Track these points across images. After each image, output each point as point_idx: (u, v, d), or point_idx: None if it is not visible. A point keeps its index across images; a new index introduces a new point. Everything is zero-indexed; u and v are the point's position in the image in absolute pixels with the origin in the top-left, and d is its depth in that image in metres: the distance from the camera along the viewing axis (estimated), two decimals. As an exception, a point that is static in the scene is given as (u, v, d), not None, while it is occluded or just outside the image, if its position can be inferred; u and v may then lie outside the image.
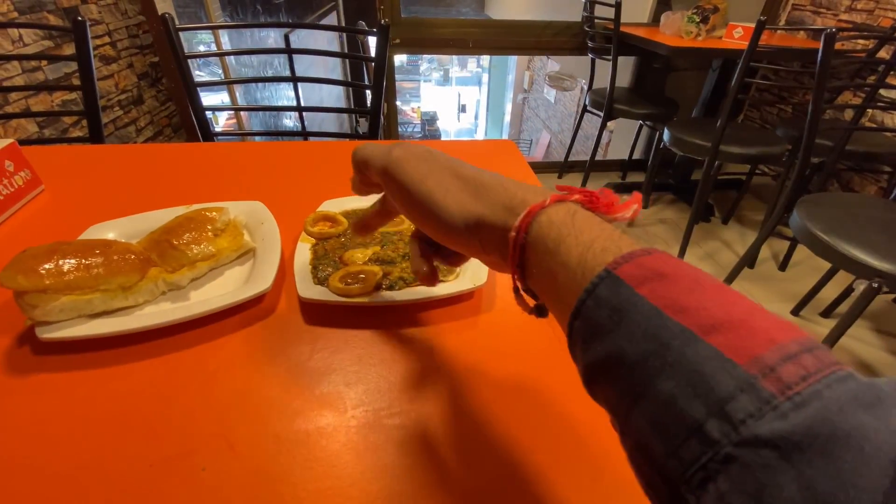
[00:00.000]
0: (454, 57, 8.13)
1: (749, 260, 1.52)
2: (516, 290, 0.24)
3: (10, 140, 0.55)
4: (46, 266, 0.35)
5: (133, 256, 0.40)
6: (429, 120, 6.46)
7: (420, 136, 6.60)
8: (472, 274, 0.43)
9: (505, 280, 0.45)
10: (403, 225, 0.50)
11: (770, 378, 0.14)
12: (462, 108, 8.03)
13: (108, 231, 0.47)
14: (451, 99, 8.21)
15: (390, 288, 0.41)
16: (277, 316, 0.40)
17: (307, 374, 0.35)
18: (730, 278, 1.58)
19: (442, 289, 0.41)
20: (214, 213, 0.47)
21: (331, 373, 0.35)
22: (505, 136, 6.90)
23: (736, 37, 2.04)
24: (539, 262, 0.21)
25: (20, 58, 0.89)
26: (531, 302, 0.25)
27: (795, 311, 1.74)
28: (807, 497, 0.12)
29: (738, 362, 0.15)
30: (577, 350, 0.19)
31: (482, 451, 0.30)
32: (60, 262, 0.36)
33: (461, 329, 0.40)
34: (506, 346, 0.38)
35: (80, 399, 0.33)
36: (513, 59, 6.79)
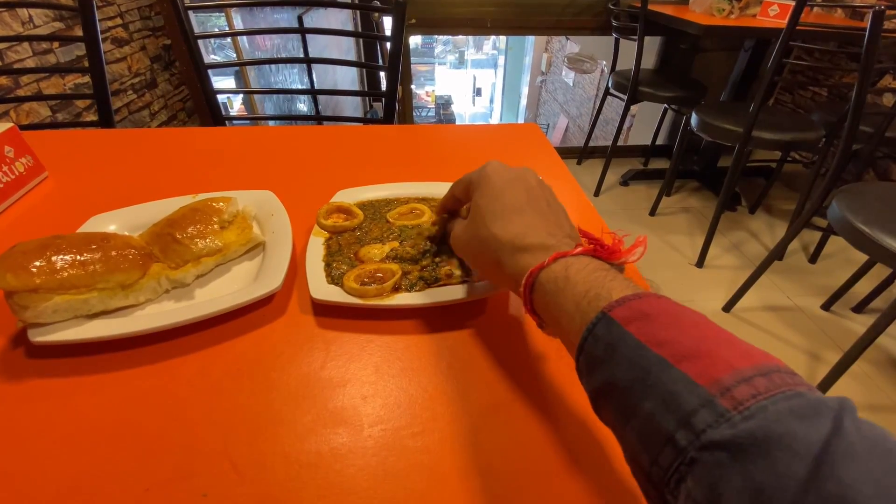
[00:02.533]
0: (470, 39, 7.95)
1: (779, 252, 1.44)
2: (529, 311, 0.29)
3: (10, 124, 0.52)
4: (37, 263, 0.32)
5: (134, 252, 0.37)
6: (443, 104, 6.35)
7: (434, 120, 6.50)
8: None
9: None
10: (423, 218, 0.47)
11: (726, 396, 0.17)
12: (477, 92, 7.87)
13: (110, 223, 0.44)
14: (467, 82, 8.06)
15: (410, 288, 0.38)
16: (288, 317, 0.37)
17: (320, 384, 0.32)
18: (758, 272, 1.51)
19: (466, 291, 0.37)
20: (221, 204, 0.44)
21: (346, 384, 0.32)
22: (521, 121, 6.76)
23: (772, 14, 1.93)
24: (545, 306, 0.26)
25: (27, 38, 0.86)
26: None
27: (826, 306, 1.66)
28: (748, 486, 0.15)
29: (702, 384, 0.18)
30: (584, 379, 0.24)
31: (519, 477, 0.27)
32: (53, 258, 0.33)
33: (491, 334, 0.36)
34: (544, 350, 0.34)
35: (73, 408, 0.30)
36: (530, 41, 6.61)
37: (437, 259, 0.41)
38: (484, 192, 0.33)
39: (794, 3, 1.42)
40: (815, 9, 2.30)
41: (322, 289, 0.37)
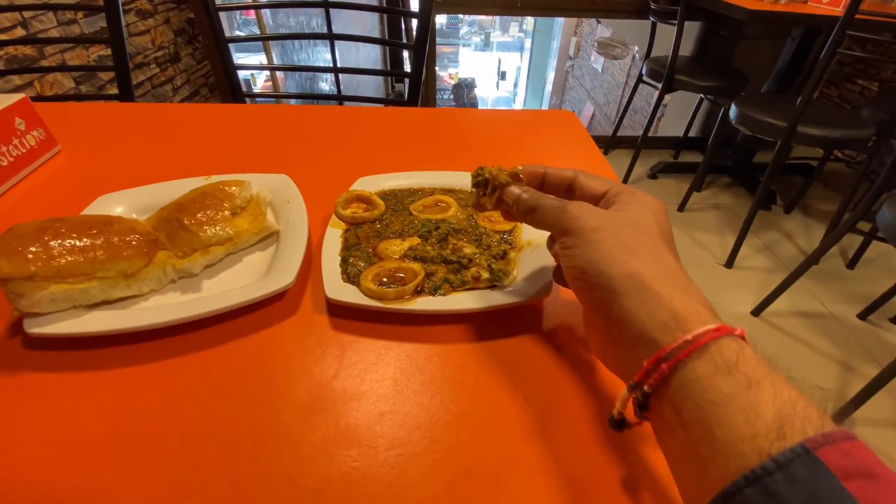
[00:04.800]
0: (496, 20, 7.73)
1: (817, 257, 1.36)
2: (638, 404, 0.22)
3: (21, 95, 0.50)
4: (33, 248, 0.30)
5: (138, 237, 0.34)
6: (467, 86, 6.22)
7: (456, 103, 6.38)
8: (535, 282, 0.35)
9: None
10: (449, 212, 0.43)
11: None
12: (502, 76, 7.70)
13: (117, 204, 0.42)
14: (491, 65, 7.88)
15: (434, 292, 0.34)
16: (300, 316, 0.34)
17: (331, 397, 0.29)
18: (793, 276, 1.43)
19: (497, 298, 0.34)
20: (234, 188, 0.41)
21: (360, 397, 0.29)
22: (545, 106, 6.59)
23: (824, 2, 1.79)
24: (684, 400, 0.19)
25: (48, 7, 0.84)
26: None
27: (863, 315, 1.57)
28: None
29: None
30: None
31: (548, 524, 0.23)
32: (51, 243, 0.31)
33: (518, 348, 0.32)
34: (588, 368, 0.31)
35: (67, 409, 0.28)
36: (559, 24, 6.40)
37: (462, 256, 0.37)
38: (633, 209, 0.26)
39: (853, -11, 1.31)
40: (872, -4, 2.14)
41: (338, 288, 0.34)
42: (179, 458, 0.25)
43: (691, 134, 2.57)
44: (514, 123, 0.67)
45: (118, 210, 0.41)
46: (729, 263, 1.78)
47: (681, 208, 2.10)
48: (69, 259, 0.31)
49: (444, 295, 0.34)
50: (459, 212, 0.43)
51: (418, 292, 0.34)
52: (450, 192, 0.47)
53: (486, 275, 0.36)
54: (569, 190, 0.30)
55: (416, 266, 0.36)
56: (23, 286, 0.29)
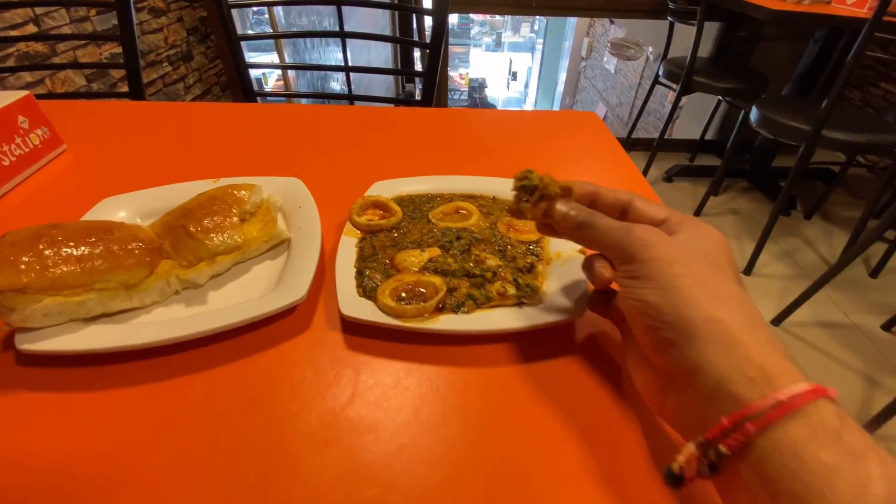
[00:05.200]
0: (508, 20, 7.69)
1: (840, 267, 1.31)
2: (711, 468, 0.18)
3: (25, 92, 0.48)
4: (26, 258, 0.28)
5: (140, 246, 0.32)
6: (477, 87, 6.19)
7: (467, 103, 6.35)
8: (567, 299, 0.32)
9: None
10: (471, 220, 0.40)
11: None
12: (513, 76, 7.65)
13: (121, 207, 0.39)
14: (502, 65, 7.84)
15: (457, 309, 0.31)
16: (313, 333, 0.32)
17: (345, 428, 0.26)
18: (815, 287, 1.38)
19: (527, 317, 0.31)
20: (243, 192, 0.38)
21: (376, 429, 0.26)
22: (556, 107, 6.54)
23: (849, 2, 1.74)
24: (771, 473, 0.16)
25: (60, 3, 0.84)
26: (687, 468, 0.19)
27: (887, 327, 1.52)
28: None
29: None
30: None
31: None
32: (46, 252, 0.28)
33: (550, 373, 0.29)
34: (619, 400, 0.28)
35: (61, 432, 0.25)
36: (571, 24, 6.35)
37: (486, 269, 0.34)
38: (702, 243, 0.23)
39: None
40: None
41: (353, 303, 0.31)
42: (179, 488, 0.23)
43: (707, 136, 2.51)
44: (535, 125, 0.64)
45: (121, 214, 0.39)
46: (748, 271, 1.73)
47: (697, 213, 2.05)
48: (65, 269, 0.28)
49: (467, 313, 0.31)
50: (482, 220, 0.41)
51: (440, 309, 0.31)
52: (470, 198, 0.44)
53: (512, 290, 0.33)
54: (622, 214, 0.27)
55: (437, 280, 0.33)
56: (14, 299, 0.27)
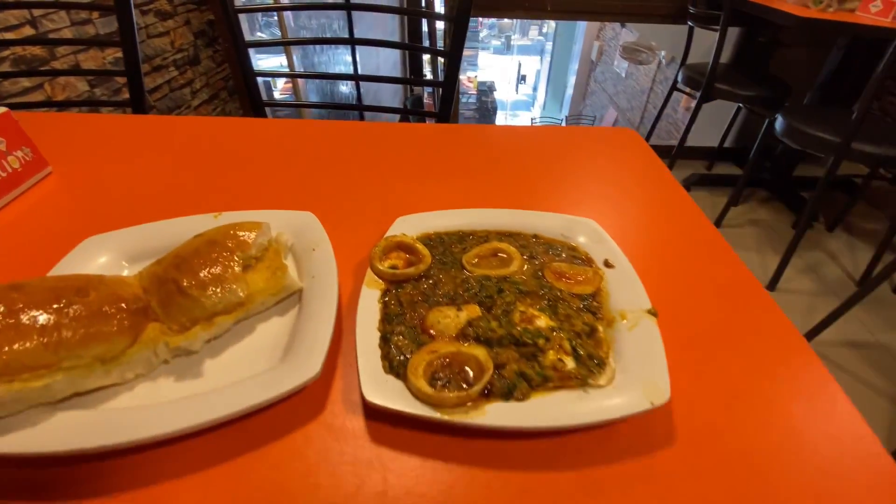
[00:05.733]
0: (517, 23, 7.66)
1: (870, 289, 1.24)
2: None
3: (2, 109, 0.42)
4: (-27, 336, 0.22)
5: (122, 307, 0.26)
6: (485, 90, 6.13)
7: (476, 106, 6.30)
8: (644, 380, 0.26)
9: (682, 386, 0.28)
10: (512, 266, 0.34)
11: None
12: (522, 79, 7.60)
13: (106, 249, 0.34)
14: (511, 68, 7.80)
15: (507, 395, 0.25)
16: (327, 418, 0.26)
17: (374, 565, 0.20)
18: (843, 308, 1.31)
19: (595, 407, 0.25)
20: (248, 234, 0.32)
21: (414, 568, 0.20)
22: (566, 111, 6.48)
23: (873, 11, 1.67)
24: None
25: (58, 6, 0.79)
26: None
27: (919, 347, 1.44)
28: None
29: None
30: None
31: None
32: None
33: (625, 483, 0.23)
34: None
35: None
36: (581, 28, 6.30)
37: (537, 335, 0.28)
38: None
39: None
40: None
41: (378, 385, 0.25)
42: None
43: (726, 144, 2.44)
44: (571, 142, 0.58)
45: (103, 259, 0.33)
46: (771, 286, 1.65)
47: (718, 224, 1.98)
48: (23, 347, 0.23)
49: (520, 400, 0.25)
50: (524, 265, 0.35)
51: (486, 394, 0.25)
52: (508, 236, 0.38)
53: (570, 363, 0.27)
54: None
55: (482, 354, 0.27)
56: (-43, 388, 0.21)
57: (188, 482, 0.23)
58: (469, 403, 0.25)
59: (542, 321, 0.30)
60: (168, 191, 0.46)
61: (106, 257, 0.33)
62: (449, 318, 0.29)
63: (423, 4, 2.39)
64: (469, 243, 0.37)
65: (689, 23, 1.95)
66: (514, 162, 0.53)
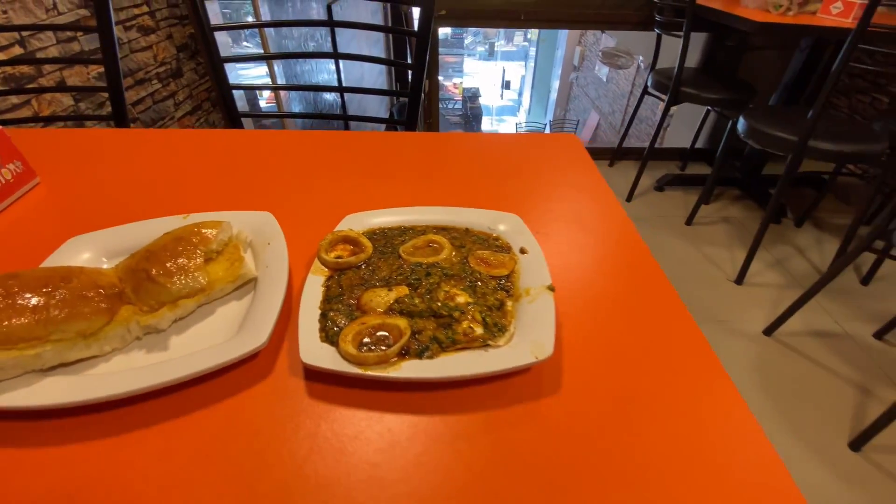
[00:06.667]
0: (501, 30, 7.77)
1: (830, 277, 1.31)
2: None
3: (-5, 127, 0.47)
4: (-24, 313, 0.27)
5: (100, 292, 0.32)
6: (470, 97, 6.22)
7: (461, 112, 6.39)
8: (534, 340, 0.31)
9: (575, 348, 0.34)
10: (441, 255, 0.40)
11: None
12: (506, 85, 7.70)
13: (87, 247, 0.39)
14: (495, 74, 7.90)
15: (420, 354, 0.31)
16: (274, 381, 0.31)
17: (302, 485, 0.25)
18: (806, 296, 1.38)
19: (490, 361, 0.30)
20: (210, 231, 0.38)
21: (333, 485, 0.25)
22: (550, 116, 6.58)
23: (834, 13, 1.76)
24: None
25: (42, 28, 0.83)
26: None
27: (879, 335, 1.52)
28: None
29: None
30: None
31: None
32: (0, 305, 0.28)
33: (515, 421, 0.29)
34: (580, 450, 0.27)
35: (11, 495, 0.25)
36: (563, 33, 6.42)
37: (453, 308, 0.34)
38: None
39: (863, 1, 1.28)
40: (879, 8, 2.10)
41: (314, 351, 0.31)
42: (123, 564, 0.22)
43: (698, 145, 2.53)
44: (516, 148, 0.64)
45: (86, 256, 0.38)
46: (739, 280, 1.73)
47: (689, 222, 2.06)
48: (19, 322, 0.28)
49: (431, 357, 0.31)
50: (453, 253, 0.40)
51: (403, 354, 0.31)
52: (443, 230, 0.44)
53: (479, 330, 0.33)
54: None
55: (402, 323, 0.33)
56: (-36, 355, 0.26)
57: (152, 434, 0.28)
58: (388, 362, 0.30)
59: (462, 298, 0.35)
60: (143, 196, 0.51)
61: (88, 254, 0.38)
62: (380, 297, 0.35)
63: (404, 18, 2.46)
64: (409, 236, 0.43)
65: (657, 30, 2.04)
66: (460, 166, 0.59)
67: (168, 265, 0.34)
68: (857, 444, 1.20)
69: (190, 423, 0.28)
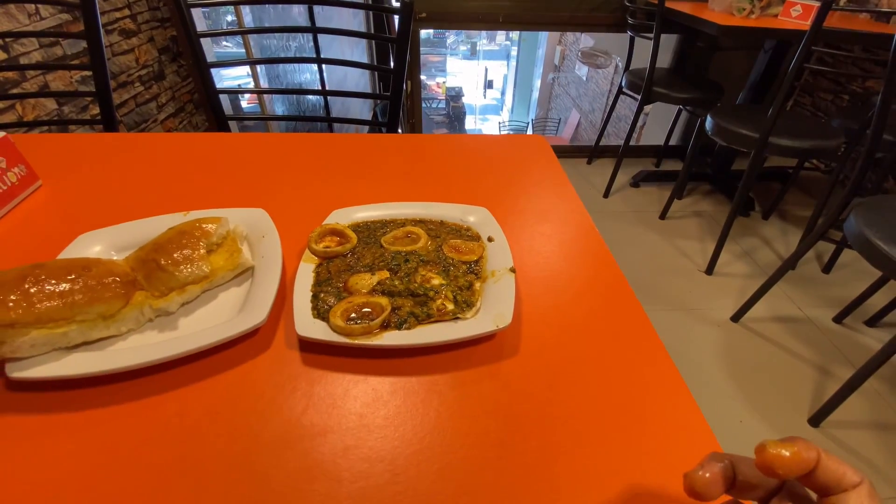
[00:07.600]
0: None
1: (791, 264, 1.40)
2: None
3: (2, 133, 0.51)
4: (13, 296, 0.31)
5: (116, 280, 0.36)
6: (453, 96, 6.28)
7: (444, 112, 6.44)
8: (496, 313, 0.37)
9: (532, 319, 0.39)
10: (419, 244, 0.45)
11: None
12: (489, 84, 7.77)
13: (96, 243, 0.43)
14: (478, 73, 7.96)
15: (400, 326, 0.36)
16: (273, 352, 0.36)
17: (300, 432, 0.30)
18: (769, 283, 1.47)
19: (459, 330, 0.36)
20: (210, 226, 0.42)
21: (327, 433, 0.30)
22: (532, 114, 6.67)
23: (794, 15, 1.86)
24: None
25: (27, 34, 0.85)
26: None
27: (838, 319, 1.62)
28: None
29: None
30: None
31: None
32: (31, 290, 0.32)
33: (478, 379, 0.34)
34: (532, 401, 0.33)
35: (48, 452, 0.29)
36: (544, 34, 6.51)
37: (429, 288, 0.39)
38: None
39: (818, 5, 1.37)
40: (839, 11, 2.22)
41: (307, 325, 0.36)
42: (154, 498, 0.27)
43: (672, 142, 2.62)
44: (488, 148, 0.69)
45: (96, 249, 0.42)
46: (709, 270, 1.82)
47: (662, 216, 2.15)
48: (49, 304, 0.32)
49: (409, 329, 0.36)
50: (429, 242, 0.45)
51: (385, 327, 0.36)
52: (420, 222, 0.49)
53: (450, 307, 0.38)
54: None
55: (384, 301, 0.38)
56: (3, 333, 0.31)
57: (170, 398, 0.33)
58: (372, 333, 0.35)
59: (437, 280, 0.41)
60: (142, 196, 0.55)
61: (99, 247, 0.43)
62: (364, 280, 0.40)
63: (386, 22, 2.50)
64: (389, 228, 0.48)
65: (629, 32, 2.12)
66: (436, 164, 0.64)
67: (175, 255, 0.39)
68: (816, 420, 1.29)
69: (201, 388, 0.33)
